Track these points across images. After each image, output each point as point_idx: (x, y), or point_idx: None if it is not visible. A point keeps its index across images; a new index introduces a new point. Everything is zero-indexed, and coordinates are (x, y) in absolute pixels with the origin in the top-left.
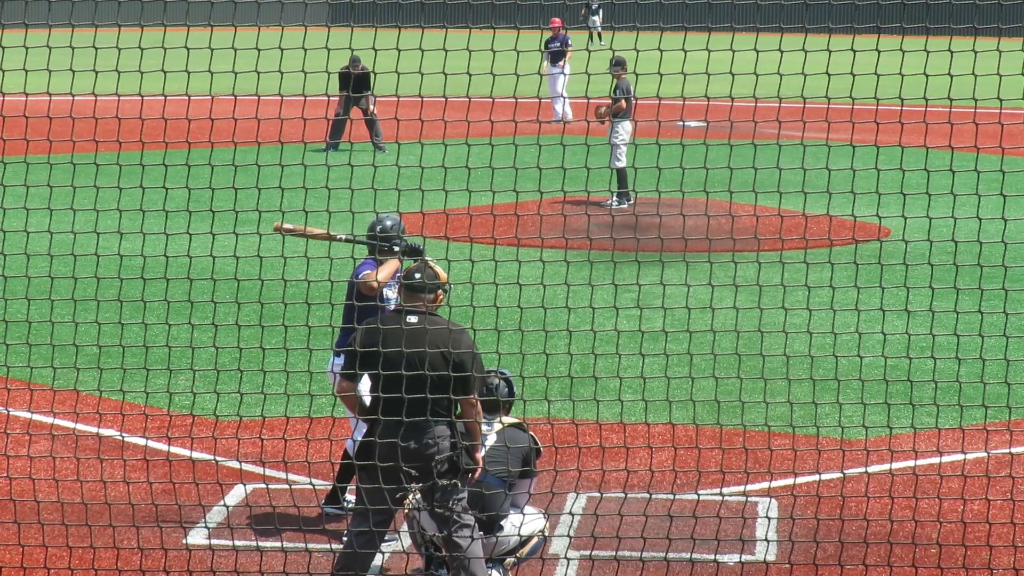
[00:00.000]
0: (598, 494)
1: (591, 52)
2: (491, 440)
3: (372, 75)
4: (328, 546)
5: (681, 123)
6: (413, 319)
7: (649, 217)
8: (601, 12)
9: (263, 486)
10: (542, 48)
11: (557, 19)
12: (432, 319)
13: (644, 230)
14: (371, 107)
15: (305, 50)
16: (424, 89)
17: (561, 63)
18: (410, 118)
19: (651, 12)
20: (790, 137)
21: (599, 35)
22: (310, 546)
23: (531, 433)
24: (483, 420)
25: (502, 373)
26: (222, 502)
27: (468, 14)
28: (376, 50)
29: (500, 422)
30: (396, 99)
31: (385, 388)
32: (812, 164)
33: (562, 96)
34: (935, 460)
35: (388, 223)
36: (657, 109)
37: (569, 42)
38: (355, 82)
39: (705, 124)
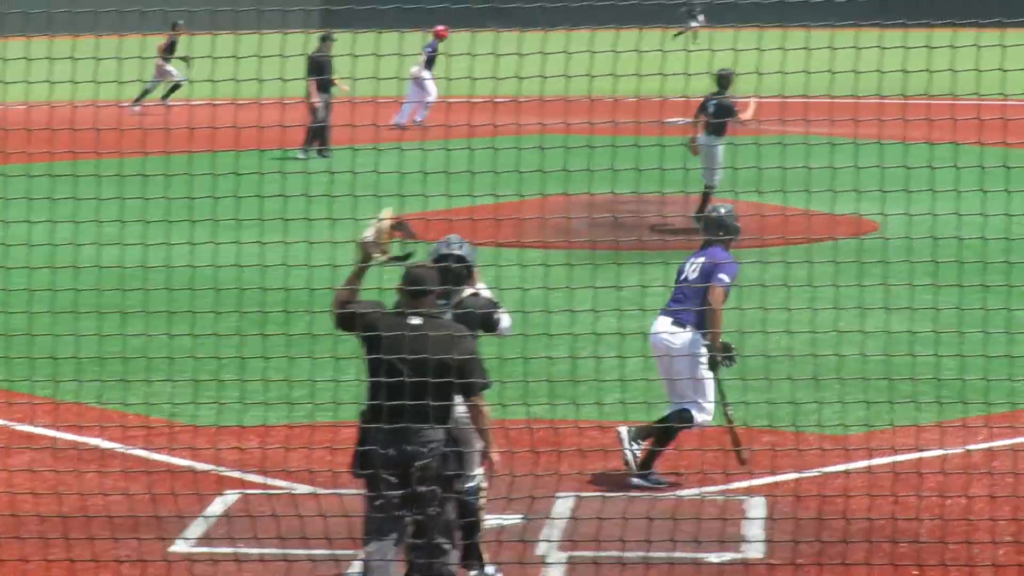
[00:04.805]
0: (579, 496)
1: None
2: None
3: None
4: (306, 551)
5: (665, 122)
6: (416, 321)
7: (632, 216)
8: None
9: (247, 493)
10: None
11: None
12: (435, 323)
13: (625, 229)
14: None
15: (283, 57)
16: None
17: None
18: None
19: (628, 12)
20: (770, 133)
21: (694, 34)
22: (290, 552)
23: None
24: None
25: (457, 246)
26: (205, 511)
27: (460, 17)
28: (355, 56)
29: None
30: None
31: (381, 392)
32: (792, 162)
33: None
34: (915, 456)
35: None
36: (636, 108)
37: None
38: (322, 77)
39: (680, 122)
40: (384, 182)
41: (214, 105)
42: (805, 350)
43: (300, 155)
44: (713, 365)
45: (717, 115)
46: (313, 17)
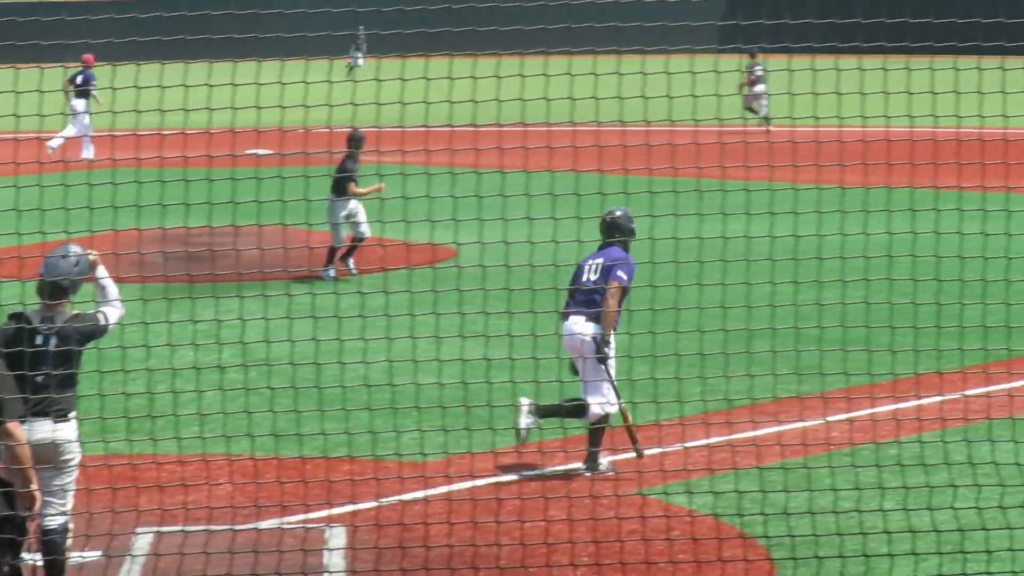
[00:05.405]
0: (158, 531)
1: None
2: (52, 344)
3: None
4: None
5: (254, 152)
6: None
7: (203, 249)
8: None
9: None
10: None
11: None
12: None
13: (198, 262)
14: None
15: None
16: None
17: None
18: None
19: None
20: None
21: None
22: None
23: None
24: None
25: (72, 258)
26: None
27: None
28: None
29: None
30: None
31: None
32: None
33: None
34: (493, 480)
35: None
36: (183, 141)
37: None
38: None
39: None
40: None
41: None
42: (383, 379)
43: None
44: (602, 360)
45: (336, 179)
46: None
